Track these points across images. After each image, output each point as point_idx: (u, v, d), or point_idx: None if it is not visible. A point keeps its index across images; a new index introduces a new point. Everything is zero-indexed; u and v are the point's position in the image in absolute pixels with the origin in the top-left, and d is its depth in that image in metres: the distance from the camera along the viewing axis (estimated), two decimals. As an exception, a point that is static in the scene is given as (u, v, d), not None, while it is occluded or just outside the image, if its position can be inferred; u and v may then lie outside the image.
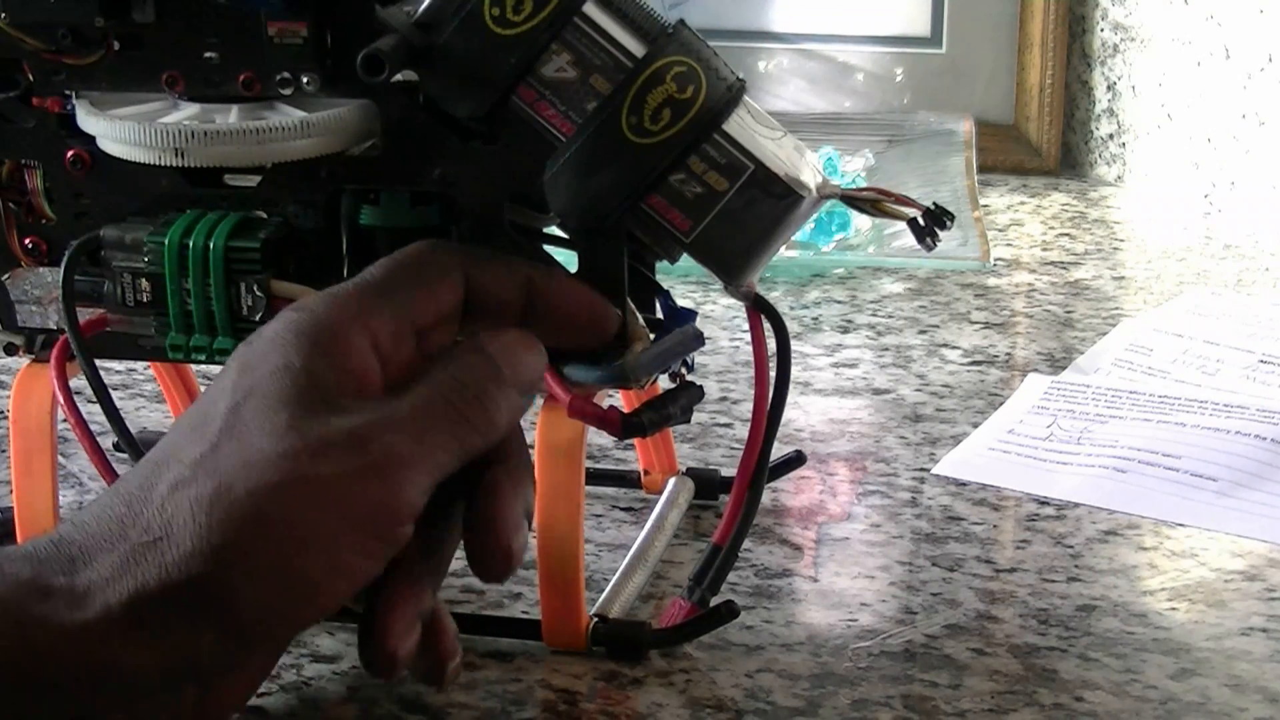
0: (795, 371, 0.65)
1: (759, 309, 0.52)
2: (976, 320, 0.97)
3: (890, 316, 0.98)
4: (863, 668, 0.57)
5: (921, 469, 0.75)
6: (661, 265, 0.54)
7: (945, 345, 0.93)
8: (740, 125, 0.48)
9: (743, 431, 0.50)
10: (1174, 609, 0.62)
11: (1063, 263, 1.10)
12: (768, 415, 0.52)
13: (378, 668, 0.46)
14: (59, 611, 0.42)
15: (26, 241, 0.57)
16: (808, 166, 0.50)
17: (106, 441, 0.56)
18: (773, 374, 0.53)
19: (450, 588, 0.60)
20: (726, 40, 1.33)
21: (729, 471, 0.68)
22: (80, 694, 0.42)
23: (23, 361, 0.59)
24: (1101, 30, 1.32)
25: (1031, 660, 0.58)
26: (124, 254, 0.53)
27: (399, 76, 0.48)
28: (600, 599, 0.59)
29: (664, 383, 0.54)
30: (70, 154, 0.56)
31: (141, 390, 0.83)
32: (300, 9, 0.52)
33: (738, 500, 0.55)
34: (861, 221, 1.09)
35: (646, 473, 0.70)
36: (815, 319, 0.98)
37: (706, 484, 0.70)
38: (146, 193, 0.55)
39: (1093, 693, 0.56)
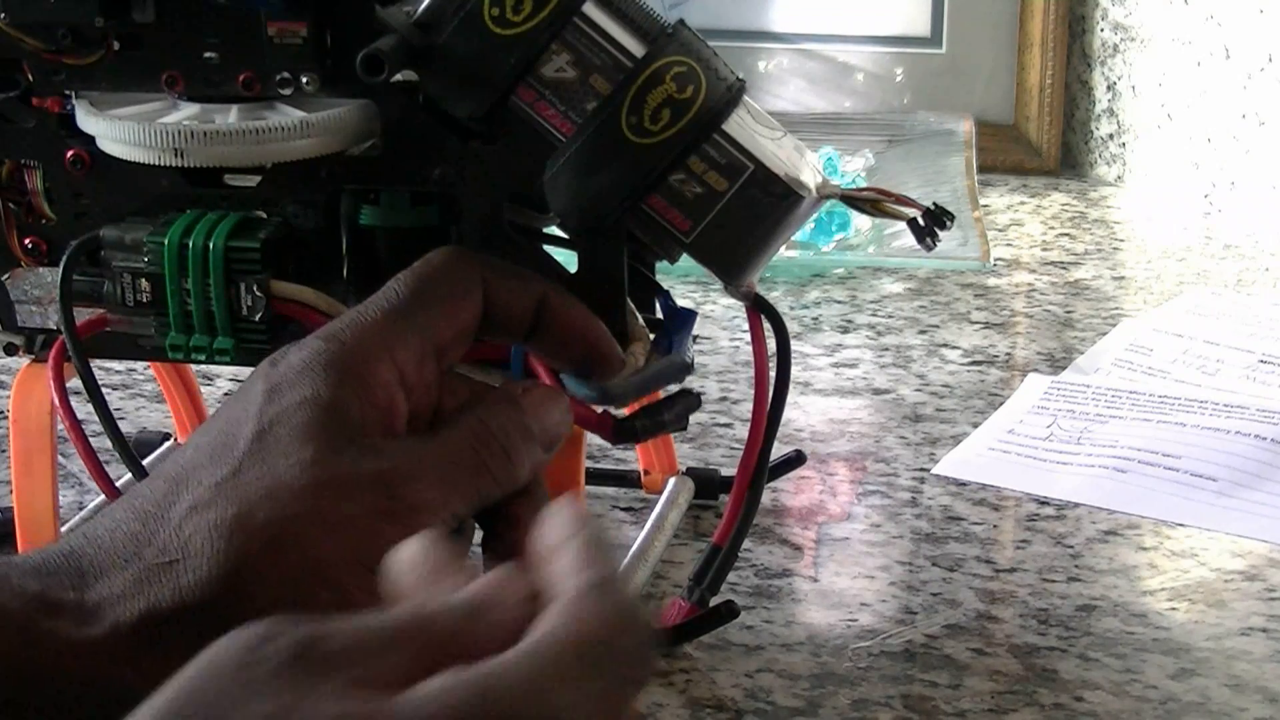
0: (795, 371, 0.65)
1: (759, 309, 0.52)
2: (976, 320, 0.97)
3: (890, 316, 0.98)
4: (863, 668, 0.57)
5: (921, 469, 0.75)
6: (661, 265, 0.54)
7: (945, 345, 0.93)
8: (740, 125, 0.48)
9: (743, 431, 0.50)
10: (1174, 609, 0.62)
11: (1063, 263, 1.10)
12: (768, 415, 0.52)
13: None
14: (67, 627, 0.42)
15: (26, 241, 0.57)
16: (808, 166, 0.50)
17: (104, 442, 0.55)
18: (773, 374, 0.53)
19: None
20: (726, 40, 1.33)
21: (729, 471, 0.68)
22: (84, 711, 0.42)
23: (23, 361, 0.59)
24: (1101, 30, 1.32)
25: (1031, 660, 0.58)
26: (124, 254, 0.53)
27: (399, 76, 0.48)
28: (600, 599, 0.58)
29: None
30: (70, 154, 0.56)
31: (141, 390, 0.83)
32: (300, 9, 0.52)
33: (738, 500, 0.54)
34: (861, 221, 1.09)
35: (646, 473, 0.70)
36: (815, 319, 0.98)
37: (706, 484, 0.70)
38: (146, 193, 0.55)
39: (1093, 693, 0.56)
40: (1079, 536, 0.68)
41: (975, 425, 0.80)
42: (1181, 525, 0.69)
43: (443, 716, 0.31)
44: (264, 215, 0.54)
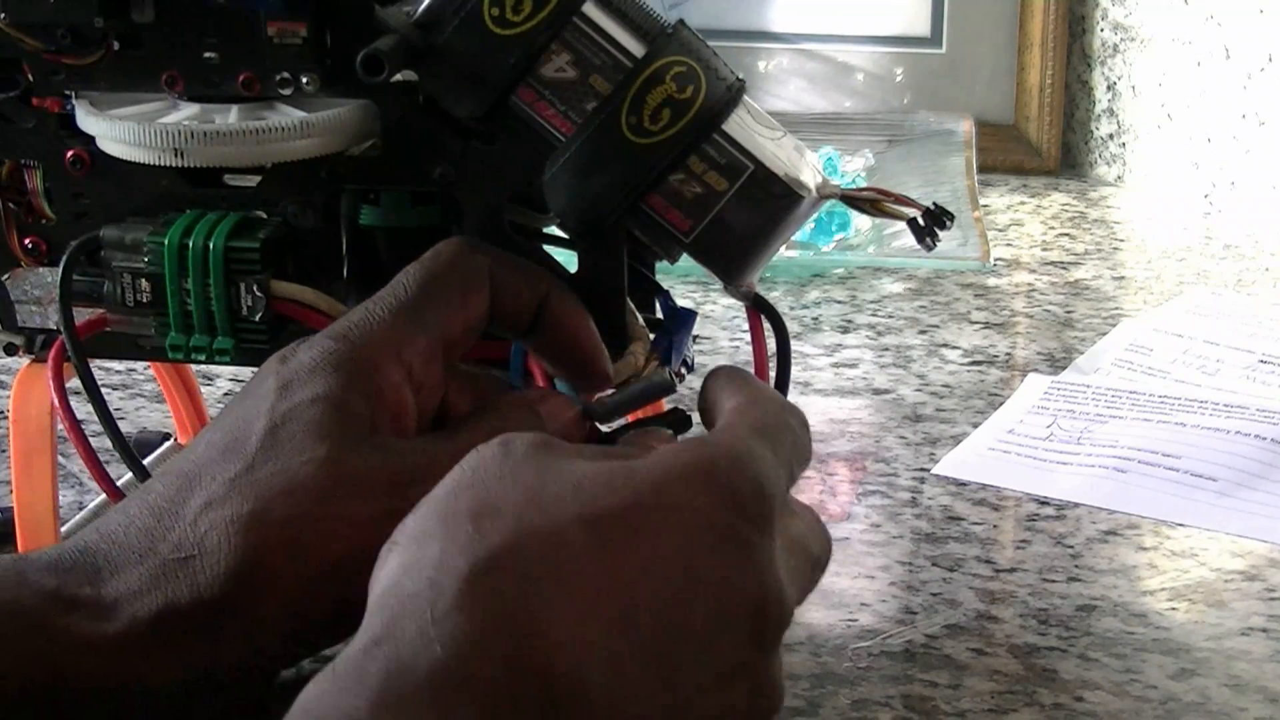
0: (795, 371, 0.65)
1: (759, 309, 0.52)
2: (976, 320, 0.97)
3: (890, 316, 0.98)
4: (863, 668, 0.57)
5: (921, 469, 0.75)
6: (661, 265, 0.54)
7: (945, 345, 0.93)
8: (740, 125, 0.48)
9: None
10: (1174, 609, 0.62)
11: (1063, 263, 1.10)
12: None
13: None
14: (84, 623, 0.42)
15: (26, 241, 0.57)
16: (808, 166, 0.50)
17: (104, 442, 0.55)
18: (773, 374, 0.53)
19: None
20: (726, 40, 1.33)
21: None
22: (100, 706, 0.42)
23: (23, 361, 0.59)
24: (1101, 30, 1.32)
25: (1031, 660, 0.58)
26: (124, 254, 0.53)
27: (399, 76, 0.48)
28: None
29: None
30: (70, 154, 0.56)
31: (141, 390, 0.83)
32: (300, 9, 0.52)
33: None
34: (861, 221, 1.09)
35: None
36: (815, 319, 0.98)
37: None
38: (146, 193, 0.55)
39: (1093, 693, 0.56)
40: (1079, 536, 0.68)
41: (975, 425, 0.80)
42: (1181, 525, 0.69)
43: (677, 467, 0.40)
44: (264, 215, 0.54)
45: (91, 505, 0.68)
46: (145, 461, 0.66)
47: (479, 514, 0.39)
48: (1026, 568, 0.65)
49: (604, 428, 0.51)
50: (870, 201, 0.52)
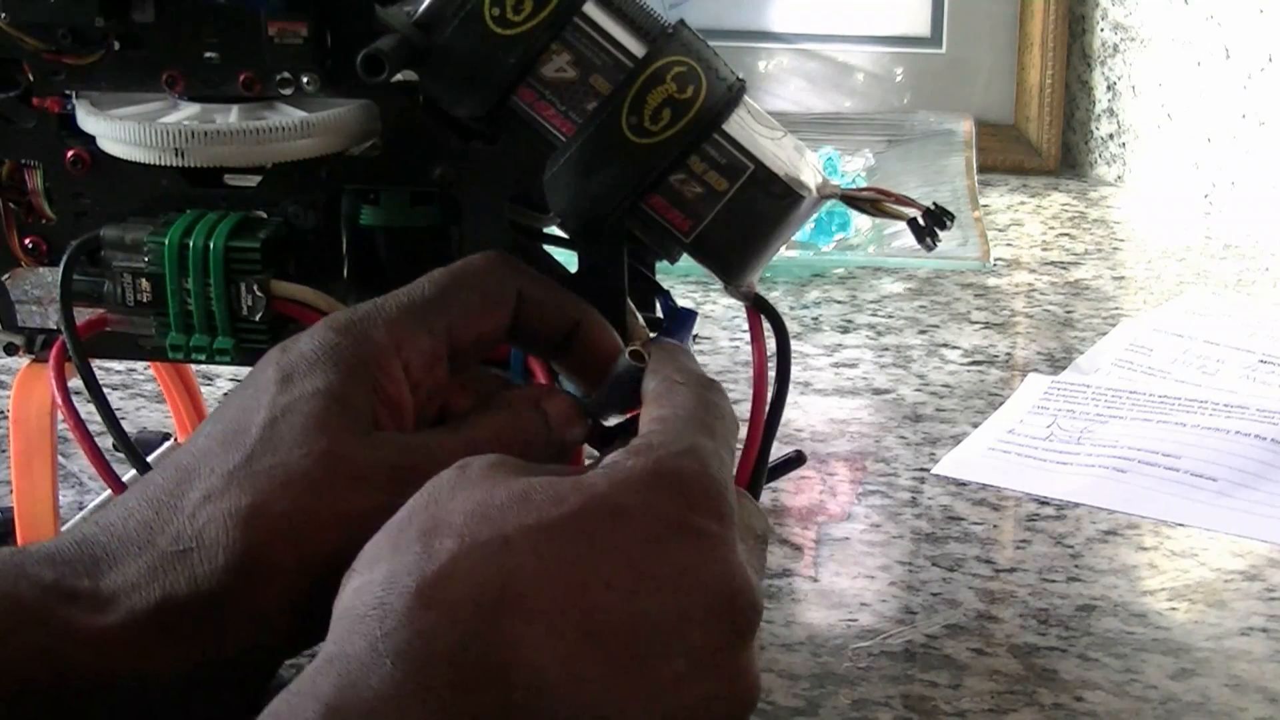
0: (795, 371, 0.65)
1: (759, 309, 0.52)
2: (976, 320, 0.97)
3: (890, 316, 0.98)
4: (863, 668, 0.57)
5: (921, 469, 0.75)
6: (661, 265, 0.54)
7: (945, 345, 0.93)
8: (740, 125, 0.48)
9: (742, 431, 0.50)
10: (1174, 609, 0.62)
11: (1063, 263, 1.10)
12: (767, 415, 0.52)
13: None
14: (83, 615, 0.42)
15: (26, 241, 0.57)
16: (808, 166, 0.50)
17: (105, 442, 0.55)
18: (772, 374, 0.53)
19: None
20: (726, 40, 1.32)
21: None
22: (99, 699, 0.42)
23: (23, 361, 0.59)
24: (1101, 30, 1.32)
25: (1031, 660, 0.58)
26: (124, 254, 0.53)
27: (399, 76, 0.48)
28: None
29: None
30: (70, 154, 0.56)
31: (141, 390, 0.83)
32: (300, 9, 0.52)
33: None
34: (861, 221, 1.09)
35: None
36: (815, 319, 0.98)
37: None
38: (146, 193, 0.55)
39: (1093, 693, 0.56)
40: (1079, 536, 0.68)
41: (975, 425, 0.80)
42: (1181, 525, 0.69)
43: (622, 473, 0.40)
44: (264, 215, 0.54)
45: (91, 505, 0.68)
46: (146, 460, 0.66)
47: (427, 533, 0.39)
48: (1026, 568, 0.65)
49: (608, 423, 0.50)
50: (870, 201, 0.52)
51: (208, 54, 0.53)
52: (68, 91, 0.55)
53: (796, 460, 0.71)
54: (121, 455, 0.54)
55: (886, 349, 0.92)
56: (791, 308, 0.99)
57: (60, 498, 0.61)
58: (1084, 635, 0.60)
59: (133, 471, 0.54)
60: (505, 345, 0.51)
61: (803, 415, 0.82)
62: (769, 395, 0.53)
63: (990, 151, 1.32)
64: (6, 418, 0.62)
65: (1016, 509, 0.71)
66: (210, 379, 0.84)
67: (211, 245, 0.53)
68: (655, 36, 0.48)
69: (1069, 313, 0.99)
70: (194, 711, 0.44)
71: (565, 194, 0.49)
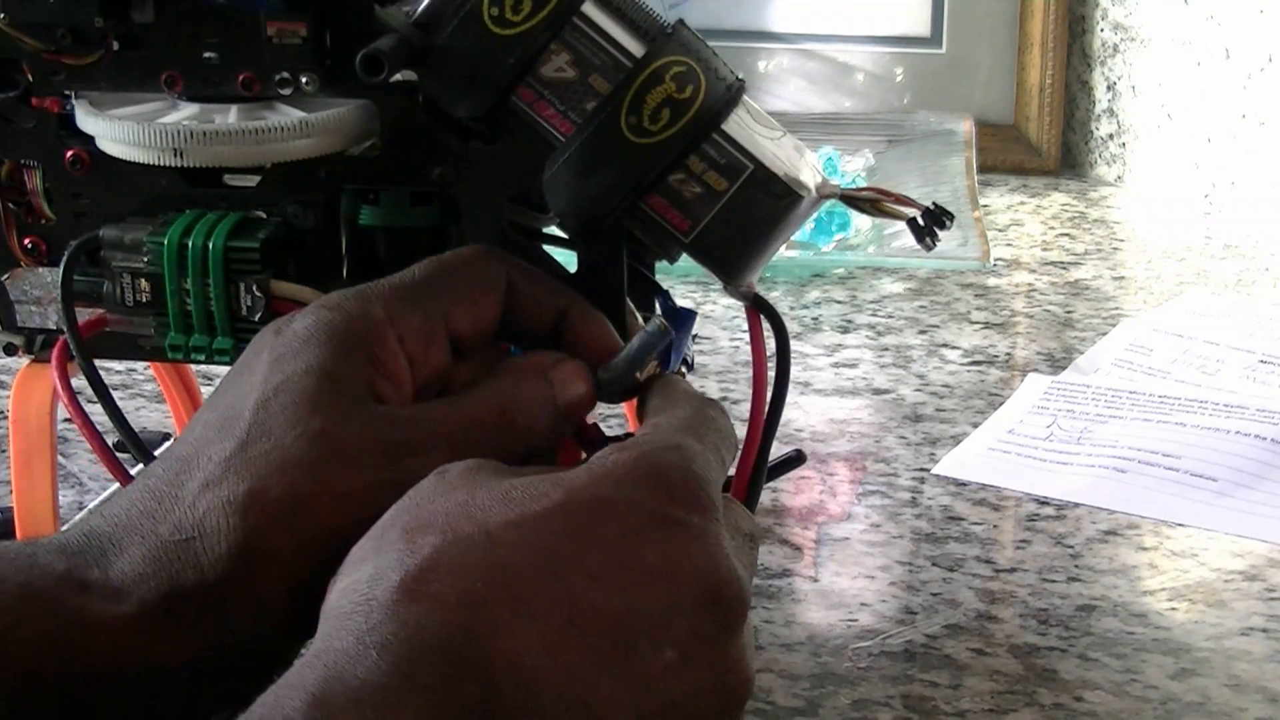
0: (795, 371, 0.65)
1: (759, 309, 0.52)
2: (976, 320, 0.97)
3: (890, 316, 0.98)
4: (863, 668, 0.57)
5: (921, 469, 0.75)
6: (661, 265, 0.54)
7: (945, 345, 0.93)
8: (740, 125, 0.48)
9: (742, 431, 0.50)
10: (1174, 609, 0.62)
11: (1063, 263, 1.10)
12: (767, 415, 0.52)
13: None
14: (96, 605, 0.42)
15: (26, 241, 0.57)
16: (807, 166, 0.50)
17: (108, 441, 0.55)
18: (772, 374, 0.53)
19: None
20: (726, 40, 1.33)
21: (729, 471, 0.68)
22: (107, 689, 0.42)
23: (23, 361, 0.59)
24: (1101, 30, 1.32)
25: (1031, 660, 0.58)
26: (123, 254, 0.53)
27: (398, 76, 0.48)
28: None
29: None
30: (70, 154, 0.56)
31: (141, 390, 0.83)
32: (300, 9, 0.52)
33: (737, 500, 0.54)
34: (861, 221, 1.09)
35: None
36: (815, 319, 0.98)
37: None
38: (146, 193, 0.55)
39: (1093, 693, 0.56)
40: (1079, 536, 0.68)
41: (975, 425, 0.80)
42: (1181, 525, 0.69)
43: (604, 468, 0.41)
44: (263, 215, 0.54)
45: (91, 504, 0.68)
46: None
47: (410, 531, 0.40)
48: (1026, 568, 0.65)
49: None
50: (870, 201, 0.52)
51: (207, 54, 0.53)
52: (67, 91, 0.55)
53: (796, 460, 0.71)
54: (125, 453, 0.55)
55: (886, 349, 0.92)
56: (791, 308, 0.99)
57: (60, 498, 0.61)
58: (1084, 635, 0.60)
59: (140, 467, 0.54)
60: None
61: (803, 415, 0.82)
62: (769, 395, 0.53)
63: (990, 151, 1.32)
64: (6, 418, 0.62)
65: (1016, 509, 0.71)
66: (210, 379, 0.84)
67: (211, 245, 0.53)
68: (654, 36, 0.48)
69: (1069, 313, 0.99)
70: (200, 702, 0.44)
71: (564, 194, 0.49)
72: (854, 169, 1.18)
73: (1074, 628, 0.60)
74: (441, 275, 0.48)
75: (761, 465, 0.54)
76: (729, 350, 0.91)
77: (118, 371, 0.85)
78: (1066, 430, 0.78)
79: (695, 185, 0.48)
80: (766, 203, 0.49)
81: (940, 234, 0.51)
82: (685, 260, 0.51)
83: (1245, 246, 1.12)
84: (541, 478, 0.41)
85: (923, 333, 0.95)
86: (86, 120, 0.54)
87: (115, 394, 0.54)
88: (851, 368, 0.89)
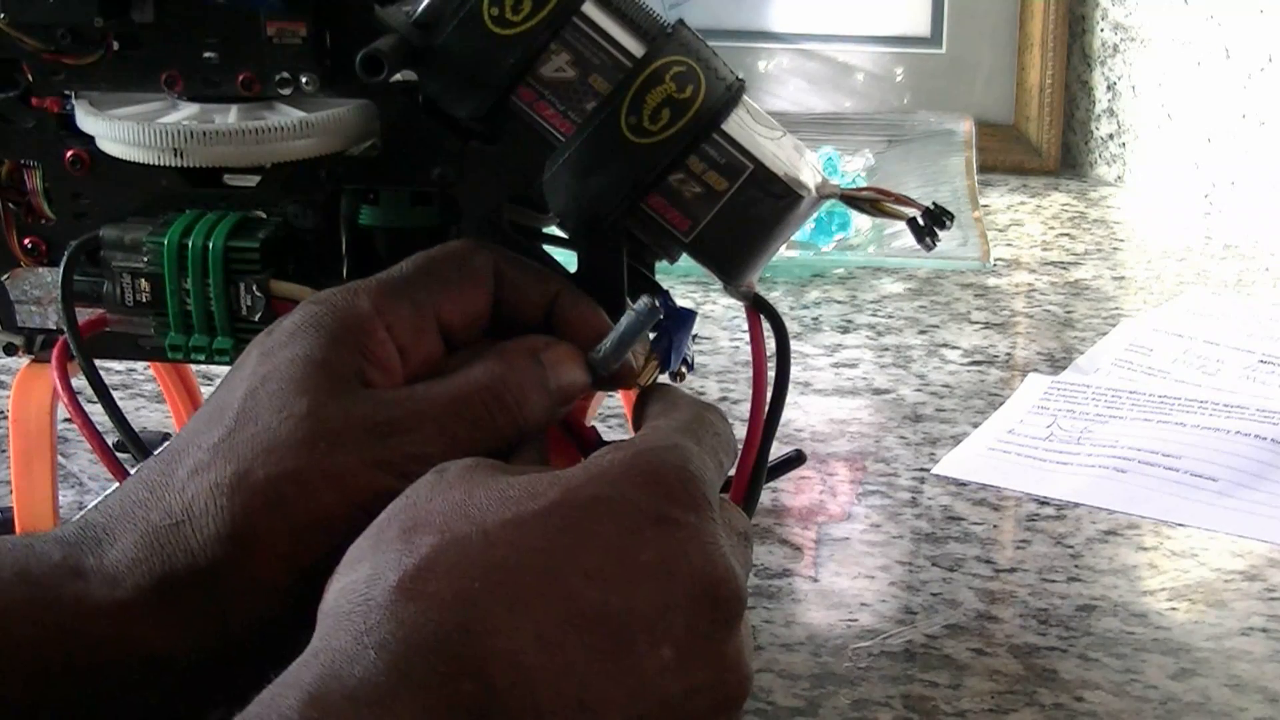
0: (795, 371, 0.65)
1: (758, 309, 0.52)
2: (976, 320, 0.97)
3: (890, 316, 0.98)
4: (863, 668, 0.57)
5: (921, 469, 0.75)
6: (661, 265, 0.54)
7: (945, 345, 0.93)
8: (740, 125, 0.48)
9: (742, 431, 0.50)
10: (1174, 609, 0.62)
11: (1063, 263, 1.10)
12: (767, 415, 0.52)
13: None
14: (93, 591, 0.43)
15: (26, 241, 0.57)
16: (807, 166, 0.50)
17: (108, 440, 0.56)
18: (772, 374, 0.53)
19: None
20: (726, 40, 1.32)
21: (728, 473, 0.68)
22: (114, 673, 0.42)
23: (23, 361, 0.59)
24: (1101, 30, 1.32)
25: (1031, 660, 0.58)
26: (123, 254, 0.53)
27: (398, 76, 0.48)
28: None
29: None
30: (69, 154, 0.56)
31: (141, 390, 0.83)
32: (299, 9, 0.52)
33: (737, 500, 0.54)
34: (861, 221, 1.09)
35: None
36: (815, 319, 0.98)
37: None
38: (146, 193, 0.55)
39: (1093, 693, 0.56)
40: (1079, 536, 0.68)
41: (975, 425, 0.80)
42: (1181, 525, 0.69)
43: (600, 467, 0.41)
44: (263, 215, 0.54)
45: (92, 505, 0.68)
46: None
47: (408, 531, 0.40)
48: (1026, 568, 0.65)
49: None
50: (870, 201, 0.52)
51: (207, 54, 0.53)
52: (67, 91, 0.55)
53: (796, 460, 0.71)
54: (126, 453, 0.55)
55: (886, 349, 0.92)
56: (791, 308, 0.99)
57: (60, 498, 0.61)
58: (1084, 635, 0.60)
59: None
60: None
61: (803, 415, 0.82)
62: (769, 395, 0.53)
63: (990, 151, 1.32)
64: (6, 418, 0.62)
65: (1016, 509, 0.71)
66: (210, 379, 0.84)
67: (211, 245, 0.53)
68: (654, 36, 0.48)
69: (1069, 313, 0.98)
70: (203, 700, 0.44)
71: (564, 194, 0.49)
72: (854, 169, 1.18)
73: (1074, 628, 0.60)
74: (428, 268, 0.48)
75: (761, 465, 0.54)
76: (729, 350, 0.91)
77: (118, 371, 0.85)
78: (1066, 430, 0.78)
79: (695, 185, 0.48)
80: (766, 203, 0.49)
81: (940, 234, 0.51)
82: (685, 260, 0.51)
83: (1245, 246, 1.12)
84: (538, 476, 0.41)
85: (923, 333, 0.95)
86: (86, 120, 0.54)
87: (115, 394, 0.54)
88: (851, 368, 0.89)
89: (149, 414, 0.81)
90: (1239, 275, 1.06)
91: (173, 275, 0.53)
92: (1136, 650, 0.59)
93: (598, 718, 0.38)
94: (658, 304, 0.48)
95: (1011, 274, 1.07)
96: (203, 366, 0.56)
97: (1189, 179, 1.25)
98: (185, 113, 0.54)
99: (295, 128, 0.52)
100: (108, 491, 0.65)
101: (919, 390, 0.85)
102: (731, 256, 0.49)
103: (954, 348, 0.92)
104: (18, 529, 0.60)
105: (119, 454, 0.55)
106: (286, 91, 0.53)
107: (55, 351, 0.55)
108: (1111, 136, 1.33)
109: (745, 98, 0.49)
